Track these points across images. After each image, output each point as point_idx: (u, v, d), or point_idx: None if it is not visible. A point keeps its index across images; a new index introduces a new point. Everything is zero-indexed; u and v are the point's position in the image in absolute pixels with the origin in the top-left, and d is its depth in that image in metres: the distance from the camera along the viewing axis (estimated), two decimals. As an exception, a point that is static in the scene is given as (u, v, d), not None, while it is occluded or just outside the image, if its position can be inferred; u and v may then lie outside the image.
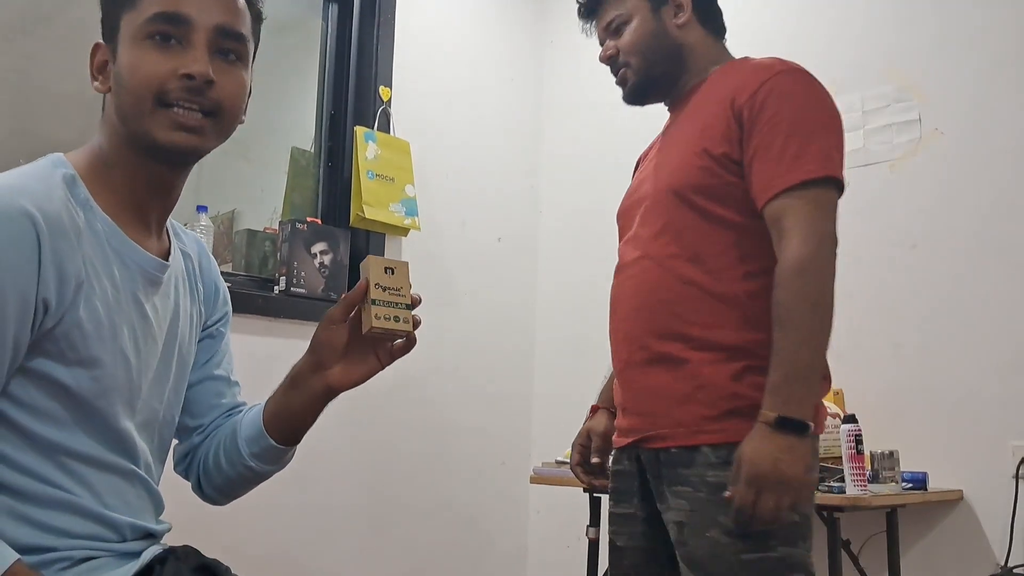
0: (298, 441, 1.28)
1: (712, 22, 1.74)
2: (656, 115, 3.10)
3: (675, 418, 1.51)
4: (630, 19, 1.71)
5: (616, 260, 1.78)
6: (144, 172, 1.13)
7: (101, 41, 1.14)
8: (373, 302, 1.14)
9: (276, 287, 2.64)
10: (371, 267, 1.16)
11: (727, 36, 1.81)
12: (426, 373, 2.92)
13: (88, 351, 1.05)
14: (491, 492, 3.15)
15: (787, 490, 1.36)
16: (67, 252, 1.02)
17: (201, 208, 2.46)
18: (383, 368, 1.23)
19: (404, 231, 2.92)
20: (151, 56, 1.07)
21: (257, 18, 1.19)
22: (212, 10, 1.10)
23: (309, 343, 1.23)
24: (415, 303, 1.17)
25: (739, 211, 1.52)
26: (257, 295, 2.58)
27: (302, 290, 2.64)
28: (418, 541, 2.91)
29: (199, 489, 1.33)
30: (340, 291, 2.73)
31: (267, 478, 1.30)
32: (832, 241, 1.46)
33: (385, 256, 1.20)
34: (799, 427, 1.37)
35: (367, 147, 2.83)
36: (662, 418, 1.54)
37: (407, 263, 1.17)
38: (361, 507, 2.77)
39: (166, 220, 1.21)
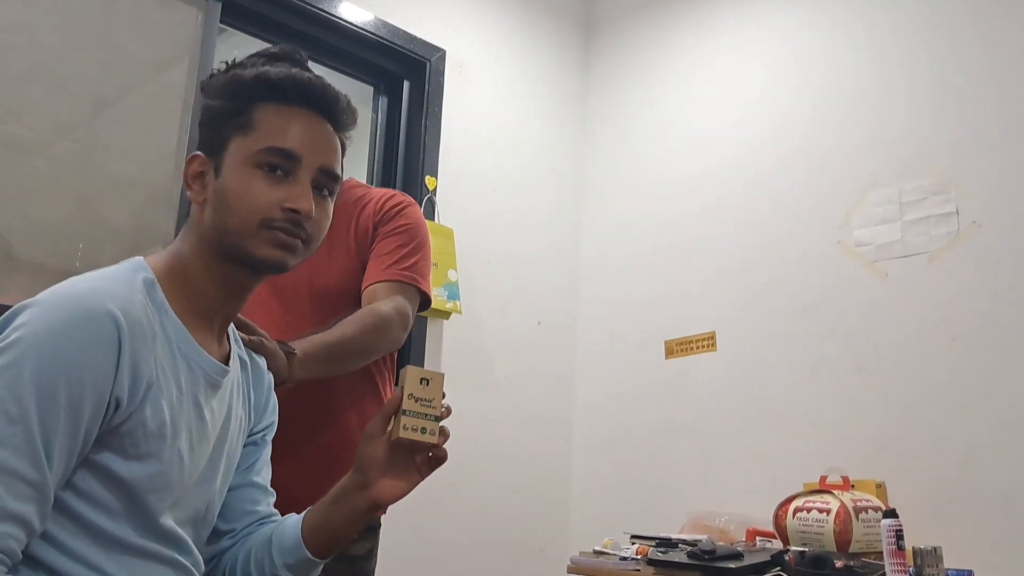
0: (331, 556, 1.30)
1: None
2: (688, 205, 3.16)
3: None
4: None
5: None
6: (225, 276, 1.21)
7: (199, 152, 1.23)
8: (404, 412, 1.18)
9: (320, 369, 2.69)
10: (408, 377, 1.20)
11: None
12: (464, 458, 2.93)
13: (148, 448, 1.09)
14: (527, 579, 3.13)
15: None
16: (143, 354, 1.08)
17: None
18: (422, 480, 1.26)
19: (447, 314, 2.98)
20: (261, 184, 1.17)
21: (344, 154, 1.30)
22: (319, 151, 1.21)
23: (355, 459, 1.26)
24: (444, 415, 1.21)
25: None
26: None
27: (346, 372, 2.69)
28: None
29: None
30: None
31: None
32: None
33: (424, 365, 1.25)
34: None
35: (412, 234, 2.91)
36: None
37: (443, 375, 1.21)
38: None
39: (229, 326, 1.28)
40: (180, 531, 1.18)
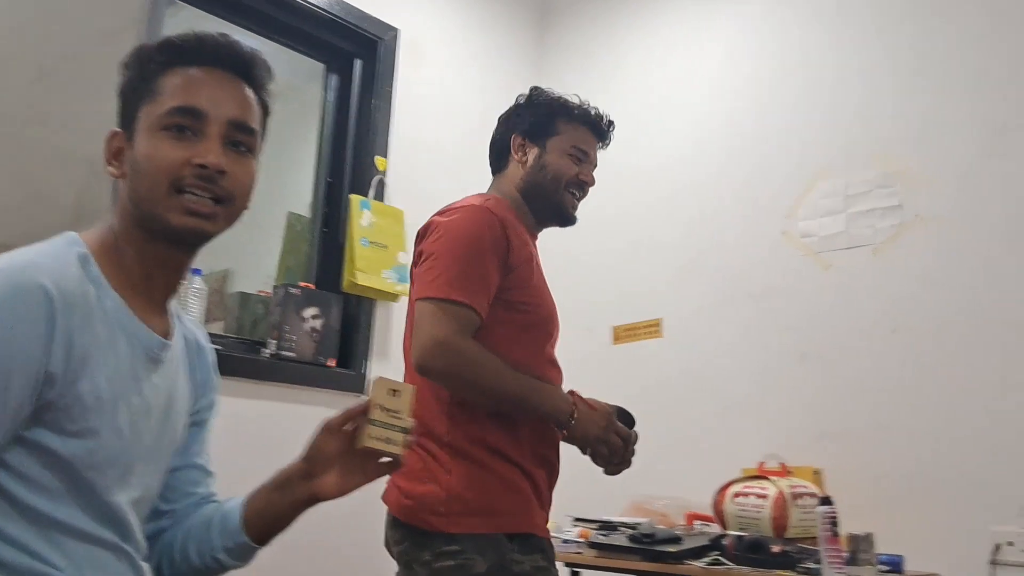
0: (269, 542, 1.30)
1: None
2: (637, 191, 3.16)
3: None
4: None
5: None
6: (154, 253, 1.18)
7: (118, 128, 1.20)
8: (372, 422, 1.19)
9: (266, 350, 2.67)
10: (377, 387, 1.21)
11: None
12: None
13: (86, 423, 1.07)
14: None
15: None
16: (79, 327, 1.06)
17: (195, 271, 2.51)
18: (368, 482, 1.26)
19: (395, 297, 2.96)
20: (167, 145, 1.14)
21: (266, 111, 1.26)
22: (226, 105, 1.17)
23: (305, 448, 1.25)
24: (410, 429, 1.22)
25: None
26: (247, 358, 2.61)
27: (292, 354, 2.68)
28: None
29: (158, 573, 1.33)
30: (329, 355, 2.77)
31: (224, 572, 1.31)
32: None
33: (388, 379, 1.26)
34: None
35: (362, 215, 2.89)
36: None
37: (413, 388, 1.22)
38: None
39: (170, 300, 1.25)
40: (127, 512, 1.16)
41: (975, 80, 2.57)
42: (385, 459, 1.24)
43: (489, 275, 1.73)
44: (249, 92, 1.22)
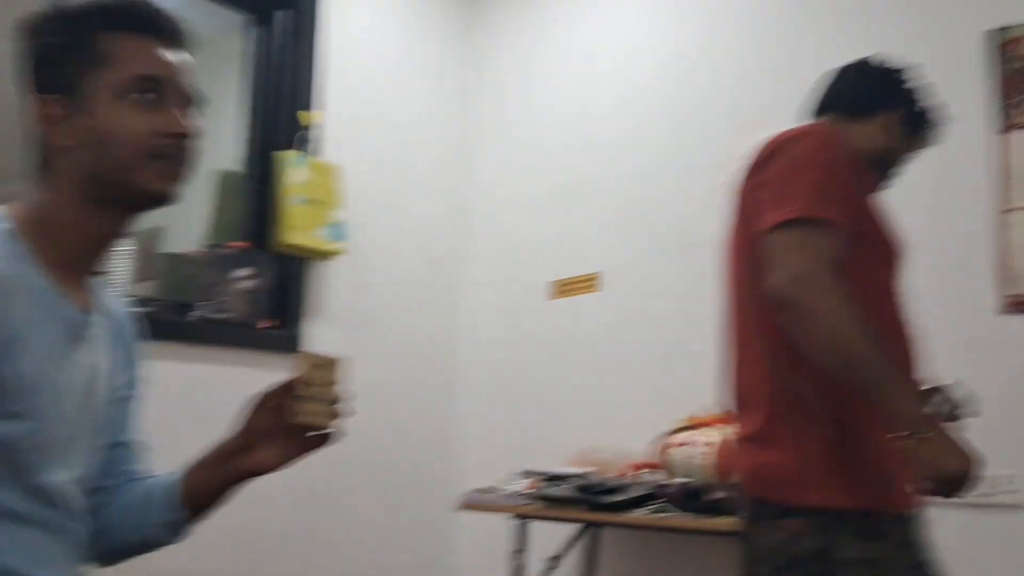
0: (205, 517, 1.30)
1: None
2: (574, 144, 3.14)
3: None
4: None
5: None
6: (97, 225, 1.17)
7: (51, 95, 1.16)
8: (299, 398, 1.18)
9: (196, 312, 2.59)
10: (300, 363, 1.20)
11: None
12: (351, 399, 2.90)
13: (17, 405, 1.06)
14: (416, 518, 3.13)
15: None
16: (3, 308, 1.05)
17: (121, 232, 2.41)
18: (305, 455, 1.26)
19: (328, 255, 2.89)
20: (137, 113, 1.15)
21: None
22: (179, 73, 1.20)
23: (238, 423, 1.25)
24: (340, 399, 1.22)
25: None
26: (177, 321, 2.54)
27: (223, 315, 2.60)
28: (343, 570, 2.88)
29: (94, 550, 1.32)
30: (263, 317, 2.70)
31: (160, 547, 1.31)
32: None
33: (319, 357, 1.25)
34: None
35: (296, 172, 2.81)
36: None
37: (337, 359, 1.21)
38: (284, 535, 2.73)
39: (94, 273, 1.23)
40: (67, 492, 1.15)
41: (900, 31, 2.57)
42: (318, 433, 1.24)
43: (850, 195, 1.50)
44: (188, 57, 1.23)
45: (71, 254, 1.16)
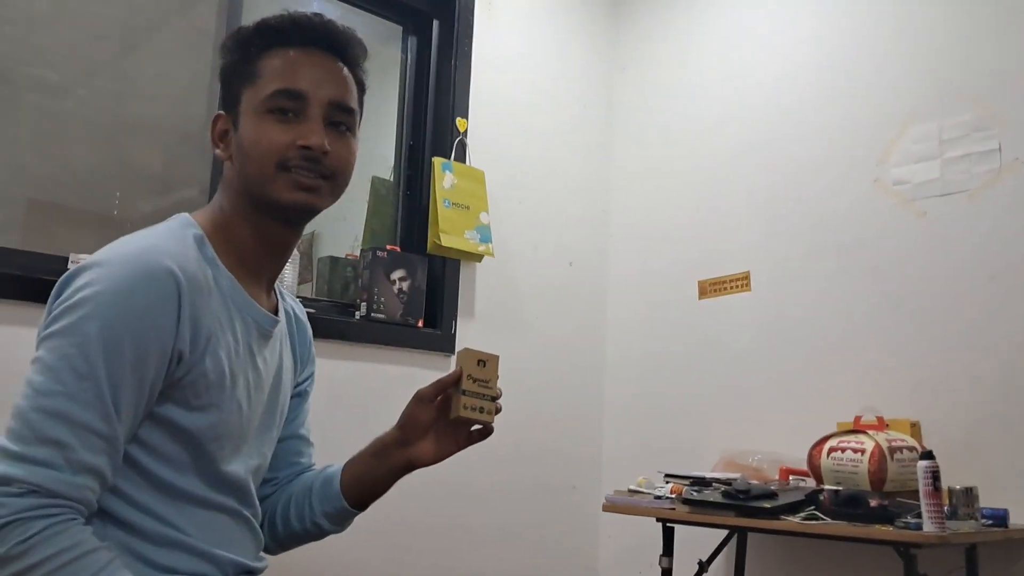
0: (367, 507, 1.36)
1: None
2: (721, 143, 3.11)
3: None
4: None
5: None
6: (264, 232, 1.23)
7: (221, 111, 1.24)
8: (463, 392, 1.24)
9: (357, 312, 2.73)
10: (465, 359, 1.25)
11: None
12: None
13: (210, 398, 1.13)
14: (562, 516, 3.18)
15: None
16: (201, 308, 1.12)
17: (287, 237, 2.55)
18: (460, 450, 1.32)
19: (479, 257, 2.98)
20: (271, 128, 1.18)
21: (362, 89, 1.29)
22: (325, 86, 1.21)
23: (399, 417, 1.31)
24: (498, 396, 1.27)
25: None
26: (338, 320, 2.67)
27: (381, 315, 2.72)
28: (488, 565, 2.95)
29: None
30: (417, 317, 2.81)
31: (324, 537, 1.38)
32: None
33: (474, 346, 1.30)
34: None
35: (444, 176, 2.90)
36: None
37: (498, 357, 1.26)
38: (434, 528, 2.82)
39: (276, 278, 1.30)
40: (246, 480, 1.22)
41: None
42: (477, 427, 1.28)
43: None
44: (346, 71, 1.25)
45: (251, 258, 1.23)
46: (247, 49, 1.22)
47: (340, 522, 1.37)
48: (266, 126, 1.18)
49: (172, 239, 1.14)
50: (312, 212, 1.22)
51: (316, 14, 1.25)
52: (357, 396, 2.59)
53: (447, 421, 1.29)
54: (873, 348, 2.67)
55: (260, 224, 1.22)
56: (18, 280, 1.95)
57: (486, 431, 1.31)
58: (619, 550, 3.19)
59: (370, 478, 1.33)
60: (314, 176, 1.19)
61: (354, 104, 1.26)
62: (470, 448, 1.34)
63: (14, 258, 2.06)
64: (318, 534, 1.38)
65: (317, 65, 1.21)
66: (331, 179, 1.22)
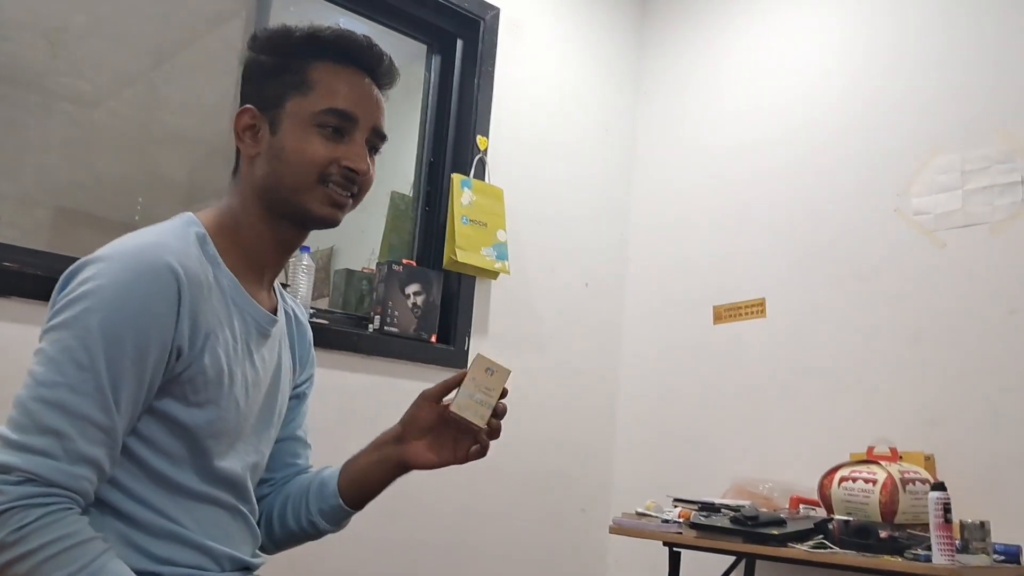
0: (363, 507, 1.36)
1: None
2: (742, 169, 3.11)
3: None
4: None
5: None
6: (275, 231, 1.25)
7: (251, 106, 1.25)
8: (463, 391, 1.25)
9: (371, 325, 2.73)
10: (477, 363, 1.26)
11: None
12: (509, 418, 2.95)
13: (208, 395, 1.15)
14: (570, 539, 3.16)
15: None
16: (201, 305, 1.13)
17: (304, 249, 2.57)
18: (457, 464, 1.32)
19: (494, 274, 2.99)
20: (319, 142, 1.21)
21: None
22: (372, 112, 1.26)
23: (403, 416, 1.32)
24: (500, 410, 1.26)
25: None
26: (352, 332, 2.68)
27: (395, 329, 2.73)
28: (496, 583, 2.93)
29: None
30: (431, 332, 2.81)
31: (320, 537, 1.38)
32: None
33: (489, 357, 1.30)
34: None
35: (463, 193, 2.92)
36: None
37: (508, 371, 1.26)
38: (442, 548, 2.81)
39: (276, 278, 1.33)
40: (243, 476, 1.23)
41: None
42: (475, 448, 1.29)
43: None
44: (383, 98, 1.30)
45: (254, 257, 1.25)
46: (293, 53, 1.24)
47: (336, 521, 1.37)
48: (313, 138, 1.21)
49: (174, 236, 1.16)
50: (333, 226, 1.27)
51: (365, 37, 1.28)
52: (368, 408, 2.59)
53: (447, 427, 1.29)
54: (889, 379, 2.64)
55: (273, 223, 1.24)
56: (43, 280, 1.99)
57: (482, 449, 1.30)
58: (627, 573, 3.16)
59: (366, 476, 1.34)
60: (347, 195, 1.23)
61: (386, 130, 1.31)
62: (479, 468, 1.34)
63: (40, 259, 2.12)
64: (315, 533, 1.39)
65: (365, 89, 1.26)
66: (357, 197, 1.27)
